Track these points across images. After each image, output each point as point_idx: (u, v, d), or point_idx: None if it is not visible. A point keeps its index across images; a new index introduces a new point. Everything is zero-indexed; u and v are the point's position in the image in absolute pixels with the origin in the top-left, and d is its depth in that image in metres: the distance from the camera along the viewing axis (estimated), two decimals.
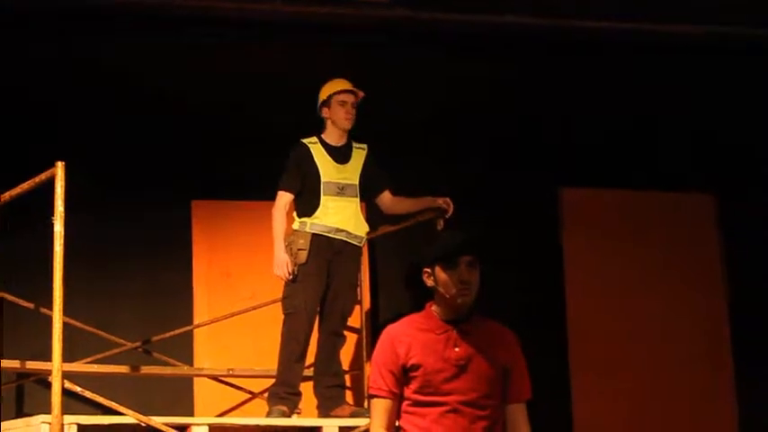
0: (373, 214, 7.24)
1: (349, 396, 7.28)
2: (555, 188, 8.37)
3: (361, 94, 6.91)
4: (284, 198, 6.74)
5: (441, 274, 4.12)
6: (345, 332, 6.92)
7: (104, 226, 7.59)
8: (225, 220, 7.96)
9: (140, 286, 7.68)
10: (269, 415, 6.52)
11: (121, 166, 7.75)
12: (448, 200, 6.88)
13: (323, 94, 6.89)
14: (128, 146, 7.79)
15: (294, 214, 6.78)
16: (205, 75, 7.94)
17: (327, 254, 6.69)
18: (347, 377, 7.34)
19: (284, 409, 6.52)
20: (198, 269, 7.85)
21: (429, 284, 4.18)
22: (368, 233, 6.92)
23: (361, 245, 6.88)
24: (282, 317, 6.71)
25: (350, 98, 6.87)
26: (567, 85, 8.49)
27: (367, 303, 7.80)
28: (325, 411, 6.67)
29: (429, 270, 4.15)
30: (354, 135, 6.95)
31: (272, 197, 6.76)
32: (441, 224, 6.84)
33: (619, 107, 8.54)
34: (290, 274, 6.59)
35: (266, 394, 6.90)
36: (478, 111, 8.33)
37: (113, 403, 5.89)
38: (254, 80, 7.99)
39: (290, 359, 6.61)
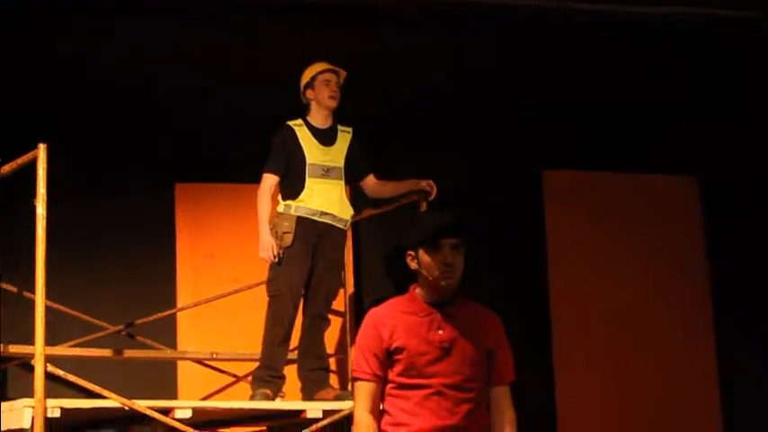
0: (357, 197, 7.24)
1: (333, 380, 7.29)
2: (538, 171, 8.39)
3: (344, 73, 6.91)
4: (269, 180, 6.73)
5: (424, 256, 4.13)
6: (329, 315, 6.93)
7: (87, 209, 7.58)
8: (208, 203, 7.95)
9: (123, 269, 7.66)
10: (253, 398, 6.53)
11: (105, 150, 7.73)
12: (431, 182, 6.88)
13: (305, 77, 6.88)
14: (111, 129, 7.76)
15: (279, 197, 6.77)
16: (190, 57, 7.91)
17: (312, 237, 6.70)
18: (331, 361, 7.36)
19: (268, 392, 6.52)
20: (181, 252, 7.84)
21: (413, 267, 4.18)
22: (352, 216, 6.92)
23: (346, 228, 6.88)
24: (267, 300, 6.71)
25: (333, 77, 6.87)
26: (551, 66, 8.48)
27: (351, 287, 7.80)
28: (308, 394, 6.67)
29: (413, 253, 4.16)
30: (337, 120, 6.94)
31: (255, 180, 6.74)
32: (424, 206, 6.84)
33: (603, 89, 8.54)
34: (275, 257, 6.60)
35: (250, 378, 6.90)
36: (460, 93, 8.32)
37: (97, 387, 5.88)
38: (240, 62, 7.97)
39: (274, 342, 6.62)
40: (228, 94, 7.92)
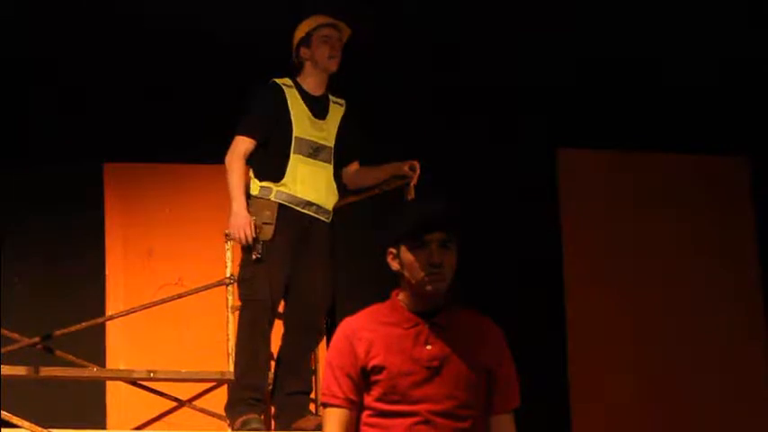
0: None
1: None
2: (551, 149, 8.45)
3: (348, 30, 6.81)
4: (243, 145, 6.58)
5: (406, 255, 4.08)
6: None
7: None
8: (145, 188, 7.97)
9: (40, 269, 7.69)
10: (241, 429, 6.42)
11: (14, 124, 7.74)
12: (414, 163, 6.83)
13: (300, 32, 6.76)
14: (21, 98, 7.77)
15: (251, 174, 6.64)
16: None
17: (295, 231, 6.59)
18: None
19: (258, 417, 6.41)
20: (112, 248, 7.87)
21: (394, 268, 4.15)
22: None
23: (329, 221, 6.78)
24: (236, 305, 6.64)
25: (334, 33, 6.78)
26: (571, 23, 8.50)
27: None
28: (285, 423, 6.56)
29: (394, 250, 4.13)
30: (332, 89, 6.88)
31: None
32: (411, 194, 6.84)
33: (629, 55, 8.59)
34: (251, 240, 6.45)
35: (195, 402, 6.89)
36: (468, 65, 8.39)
37: (6, 413, 5.90)
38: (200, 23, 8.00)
39: (255, 356, 6.49)
40: (170, 57, 7.91)
